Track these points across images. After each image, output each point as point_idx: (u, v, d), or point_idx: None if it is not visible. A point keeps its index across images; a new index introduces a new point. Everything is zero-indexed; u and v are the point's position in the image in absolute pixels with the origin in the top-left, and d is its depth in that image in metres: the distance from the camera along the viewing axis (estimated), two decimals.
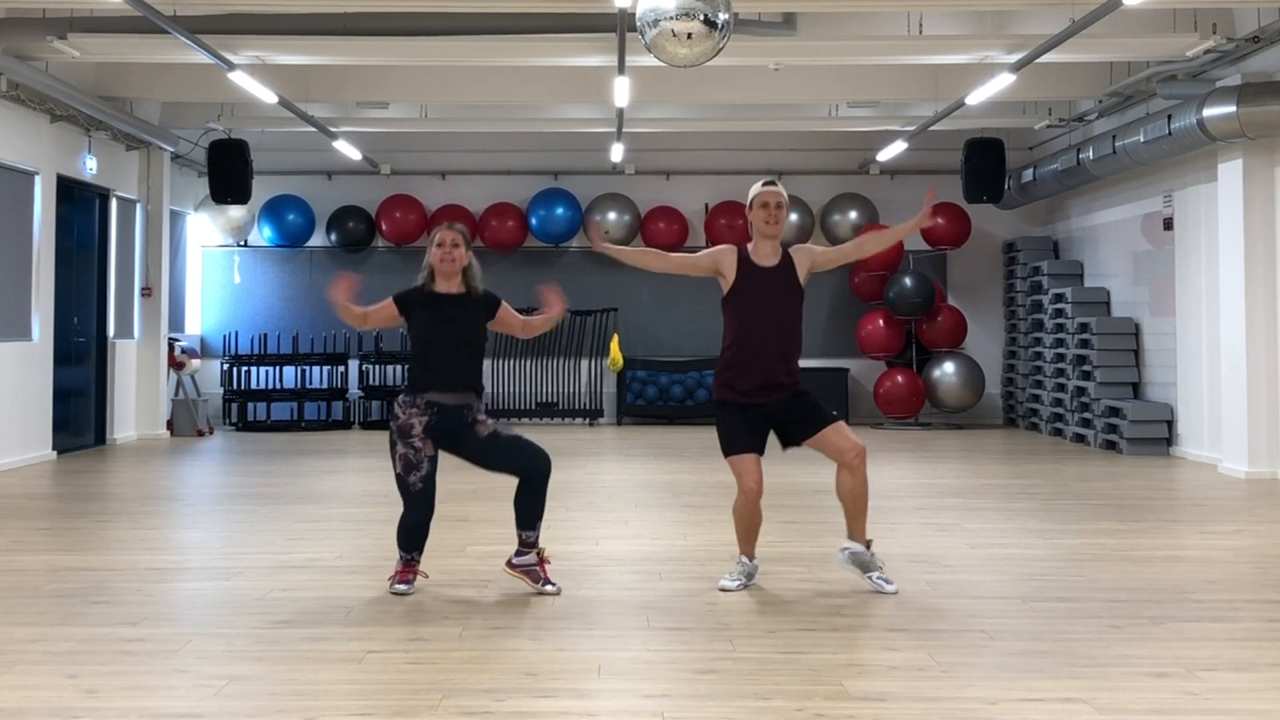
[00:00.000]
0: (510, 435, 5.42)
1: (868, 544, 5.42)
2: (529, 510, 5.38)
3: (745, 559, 5.53)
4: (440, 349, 5.37)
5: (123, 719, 3.64)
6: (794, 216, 14.72)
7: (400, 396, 5.38)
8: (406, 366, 5.69)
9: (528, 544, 5.38)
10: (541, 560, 5.39)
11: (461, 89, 12.06)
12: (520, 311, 5.76)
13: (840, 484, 5.42)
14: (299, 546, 6.52)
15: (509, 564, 5.41)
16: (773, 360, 5.39)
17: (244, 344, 14.77)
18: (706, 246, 15.14)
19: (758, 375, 5.38)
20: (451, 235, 5.46)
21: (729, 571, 5.53)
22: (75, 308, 11.82)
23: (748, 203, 5.57)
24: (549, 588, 5.34)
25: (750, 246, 5.53)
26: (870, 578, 5.38)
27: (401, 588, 5.30)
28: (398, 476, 5.34)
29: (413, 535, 5.36)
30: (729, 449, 5.43)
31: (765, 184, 5.54)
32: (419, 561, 5.40)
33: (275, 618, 4.87)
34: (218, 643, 4.50)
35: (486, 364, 12.34)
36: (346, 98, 12.45)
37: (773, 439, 5.53)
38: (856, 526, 5.43)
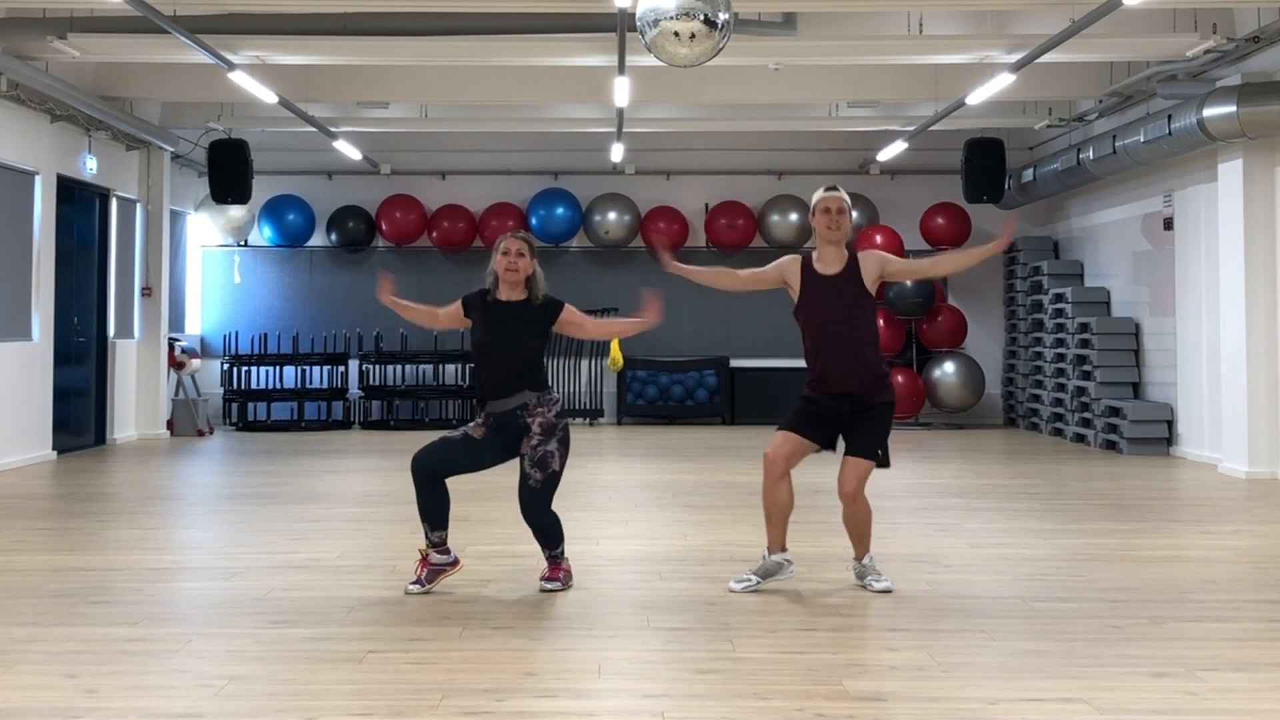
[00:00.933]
0: (527, 472, 5.32)
1: (863, 560, 5.51)
2: (538, 538, 5.44)
3: (766, 554, 5.48)
4: (496, 356, 5.34)
5: (123, 719, 3.64)
6: (793, 216, 14.75)
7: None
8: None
9: (551, 558, 5.45)
10: (555, 565, 5.43)
11: (461, 89, 12.05)
12: (590, 313, 5.67)
13: (842, 512, 5.52)
14: (299, 546, 6.52)
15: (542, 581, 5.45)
16: (849, 367, 5.35)
17: (244, 344, 14.78)
18: (707, 247, 15.30)
19: (838, 382, 5.35)
20: (517, 245, 5.39)
21: (742, 571, 5.55)
22: (75, 308, 11.82)
23: (810, 209, 5.54)
24: (545, 584, 5.37)
25: (815, 254, 5.52)
26: (864, 581, 5.46)
27: (413, 588, 5.29)
28: None
29: (418, 499, 5.33)
30: (783, 423, 5.47)
31: (827, 190, 5.52)
32: (440, 547, 5.33)
33: (275, 618, 4.87)
34: (218, 643, 4.50)
35: None
36: (346, 98, 12.45)
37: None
38: (854, 548, 5.54)
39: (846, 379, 5.33)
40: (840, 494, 5.41)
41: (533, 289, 5.42)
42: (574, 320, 5.54)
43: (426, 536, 5.36)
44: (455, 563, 5.43)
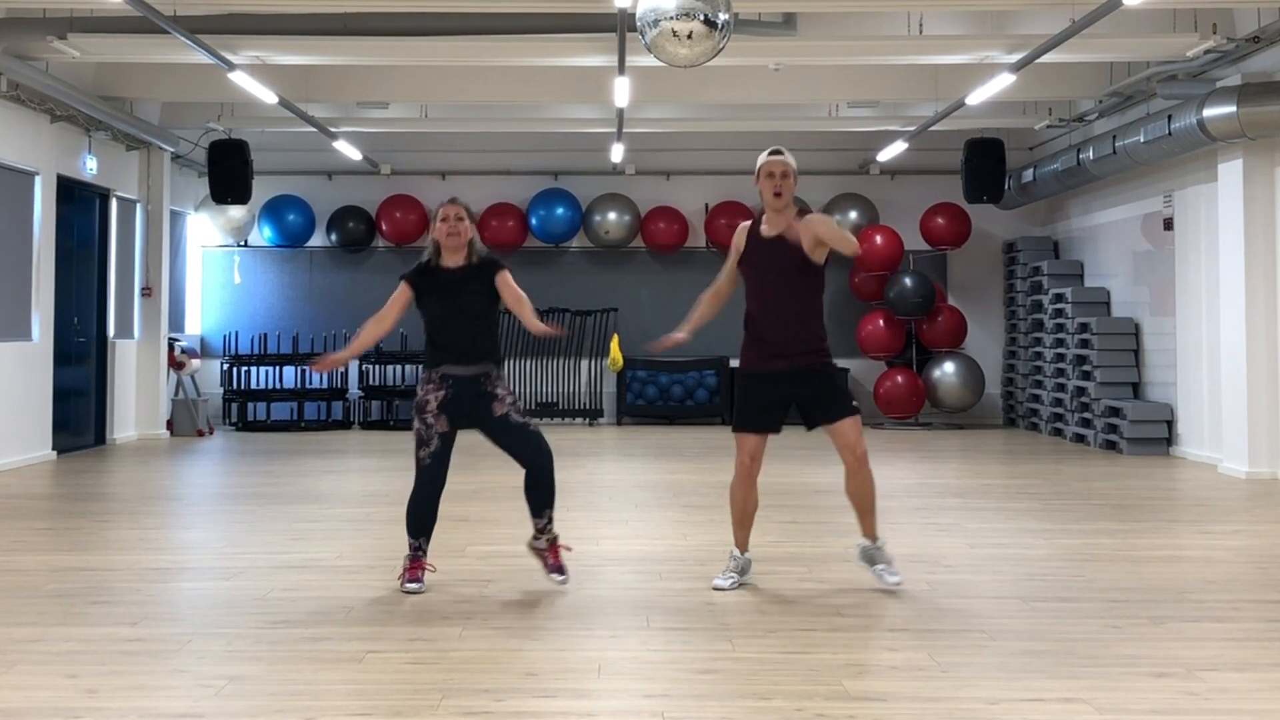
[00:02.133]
0: (520, 422, 5.40)
1: (875, 539, 5.43)
2: (535, 498, 5.42)
3: (737, 552, 5.49)
4: (453, 323, 5.38)
5: (123, 719, 3.64)
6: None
7: (420, 373, 5.42)
8: (422, 349, 5.63)
9: (540, 530, 5.43)
10: (553, 547, 5.43)
11: (461, 89, 12.06)
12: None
13: (845, 485, 5.47)
14: (299, 546, 6.52)
15: (529, 543, 5.50)
16: (788, 331, 5.36)
17: (244, 344, 14.78)
18: (706, 247, 15.28)
19: (775, 345, 5.37)
20: (455, 209, 5.46)
21: (722, 570, 5.53)
22: (75, 308, 11.82)
23: (755, 173, 5.51)
24: (556, 576, 5.37)
25: (764, 218, 5.51)
26: (875, 569, 5.40)
27: (412, 586, 5.30)
28: (414, 452, 5.38)
29: (419, 516, 5.35)
30: (736, 424, 5.48)
31: (771, 153, 5.50)
32: (426, 553, 5.39)
33: (275, 618, 4.87)
34: (218, 643, 4.50)
35: None
36: (346, 98, 12.45)
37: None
38: (864, 524, 5.45)
39: (784, 342, 5.33)
40: (851, 460, 5.34)
41: (473, 252, 5.45)
42: (507, 284, 5.41)
43: (419, 547, 5.38)
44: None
